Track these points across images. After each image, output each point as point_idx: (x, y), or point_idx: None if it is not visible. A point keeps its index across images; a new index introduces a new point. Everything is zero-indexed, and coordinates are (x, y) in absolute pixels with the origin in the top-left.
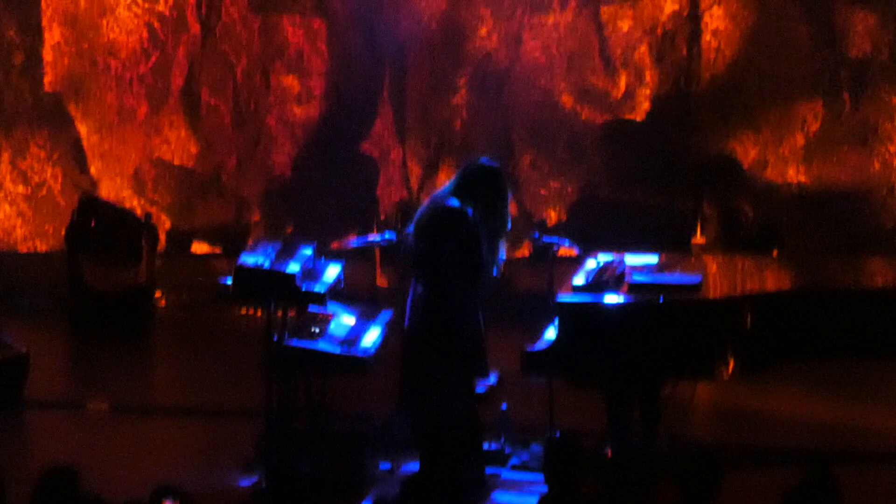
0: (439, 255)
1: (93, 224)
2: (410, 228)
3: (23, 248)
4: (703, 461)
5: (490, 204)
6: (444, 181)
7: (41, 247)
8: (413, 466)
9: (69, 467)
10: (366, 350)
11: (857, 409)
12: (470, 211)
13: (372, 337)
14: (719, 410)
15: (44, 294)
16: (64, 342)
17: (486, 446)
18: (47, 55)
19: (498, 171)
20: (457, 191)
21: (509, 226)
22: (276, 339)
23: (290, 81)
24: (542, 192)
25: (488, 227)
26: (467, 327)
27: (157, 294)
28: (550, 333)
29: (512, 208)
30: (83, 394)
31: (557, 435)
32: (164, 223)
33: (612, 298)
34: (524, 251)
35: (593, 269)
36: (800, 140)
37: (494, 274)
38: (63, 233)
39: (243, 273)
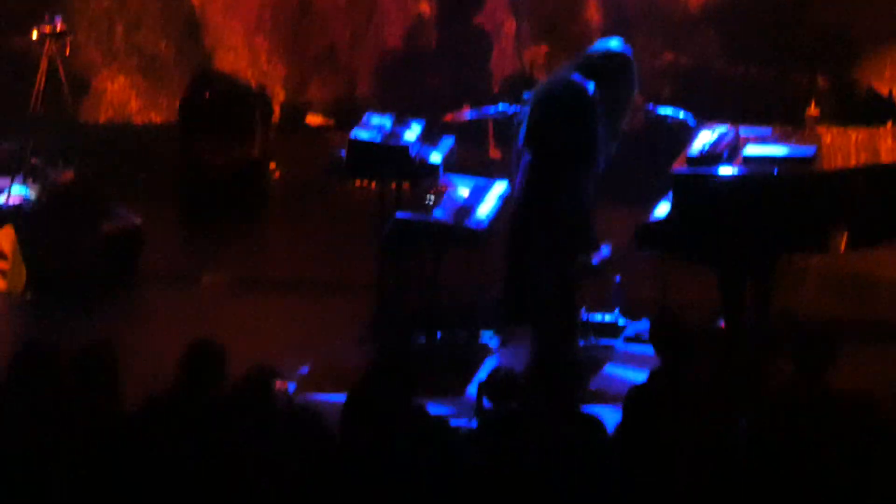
0: (554, 127)
1: (207, 97)
2: (528, 95)
3: (137, 121)
4: (818, 336)
5: (615, 88)
6: (559, 56)
7: (156, 119)
8: (523, 339)
9: (214, 342)
10: (480, 222)
11: None
12: (591, 90)
13: (486, 208)
14: (835, 282)
15: (158, 167)
16: (178, 216)
17: (600, 318)
18: None
19: (627, 58)
20: (582, 69)
21: (631, 110)
22: (390, 212)
23: None
24: (656, 64)
25: (608, 111)
26: (574, 202)
27: (272, 166)
28: (664, 207)
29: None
30: (199, 269)
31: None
32: (279, 95)
33: (726, 170)
34: (639, 123)
35: (708, 141)
36: None
37: (609, 155)
38: (177, 105)
39: (357, 147)
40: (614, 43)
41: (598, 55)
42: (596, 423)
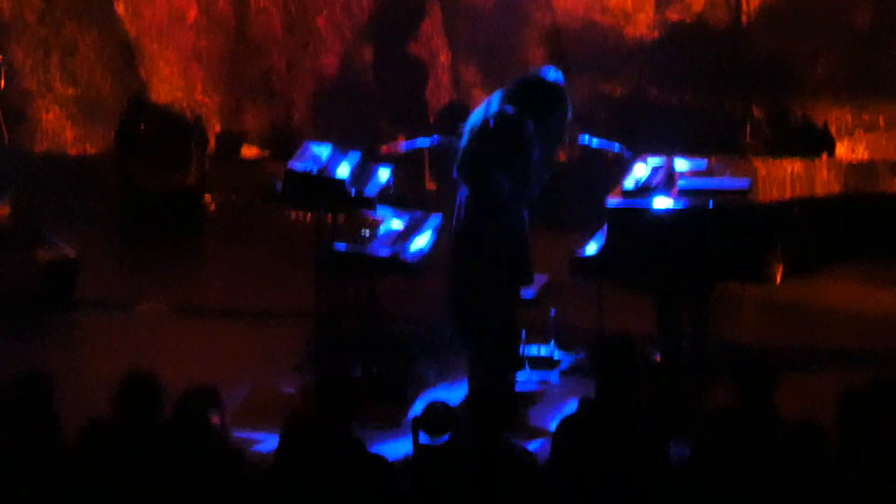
0: (487, 158)
1: (142, 127)
2: (464, 128)
3: (73, 151)
4: (754, 364)
5: (547, 117)
6: (494, 85)
7: (91, 149)
8: (459, 370)
9: (149, 372)
10: (415, 254)
11: None
12: (523, 120)
13: (421, 241)
14: (770, 310)
15: (94, 197)
16: (114, 245)
17: (536, 351)
18: None
19: (560, 88)
20: (514, 98)
21: (566, 139)
22: (325, 243)
23: None
24: (591, 94)
25: (542, 140)
26: (509, 233)
27: (207, 197)
28: (599, 238)
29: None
30: (134, 296)
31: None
32: (214, 126)
33: (661, 203)
34: (573, 153)
35: (643, 174)
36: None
37: (542, 183)
38: (112, 136)
39: (293, 178)
40: (548, 72)
41: (531, 84)
42: (529, 457)
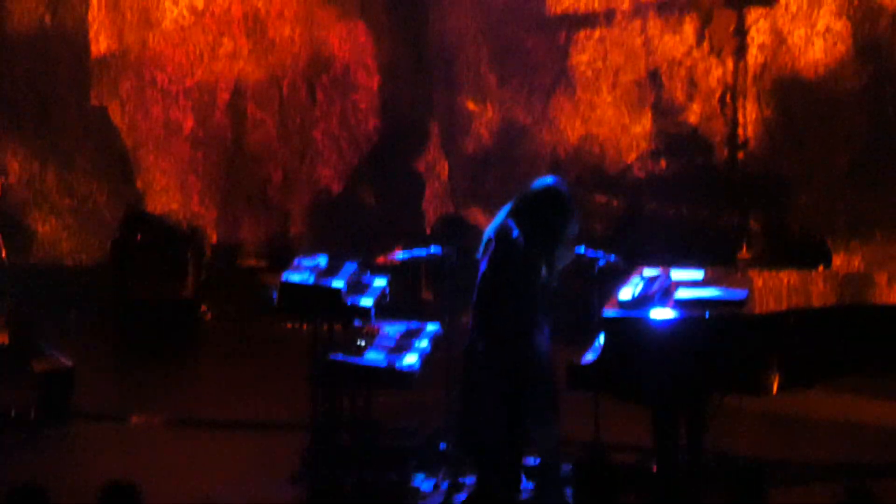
0: (496, 287)
1: (139, 238)
2: (479, 255)
3: (69, 262)
4: (749, 476)
5: (552, 228)
6: (490, 195)
7: (87, 260)
8: (461, 483)
9: (130, 482)
10: (411, 365)
11: None
12: (516, 233)
13: (417, 352)
14: (766, 422)
15: (90, 307)
16: (110, 355)
17: (530, 461)
18: (94, 67)
19: (564, 195)
20: (518, 213)
21: (574, 250)
22: (321, 353)
23: (336, 95)
24: (587, 206)
25: (548, 251)
26: (522, 349)
27: (203, 308)
28: (596, 348)
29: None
30: (129, 407)
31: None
32: (210, 237)
33: (657, 314)
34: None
35: (639, 285)
36: (845, 158)
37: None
38: (109, 246)
39: (289, 289)
40: (548, 180)
41: (532, 193)
42: None
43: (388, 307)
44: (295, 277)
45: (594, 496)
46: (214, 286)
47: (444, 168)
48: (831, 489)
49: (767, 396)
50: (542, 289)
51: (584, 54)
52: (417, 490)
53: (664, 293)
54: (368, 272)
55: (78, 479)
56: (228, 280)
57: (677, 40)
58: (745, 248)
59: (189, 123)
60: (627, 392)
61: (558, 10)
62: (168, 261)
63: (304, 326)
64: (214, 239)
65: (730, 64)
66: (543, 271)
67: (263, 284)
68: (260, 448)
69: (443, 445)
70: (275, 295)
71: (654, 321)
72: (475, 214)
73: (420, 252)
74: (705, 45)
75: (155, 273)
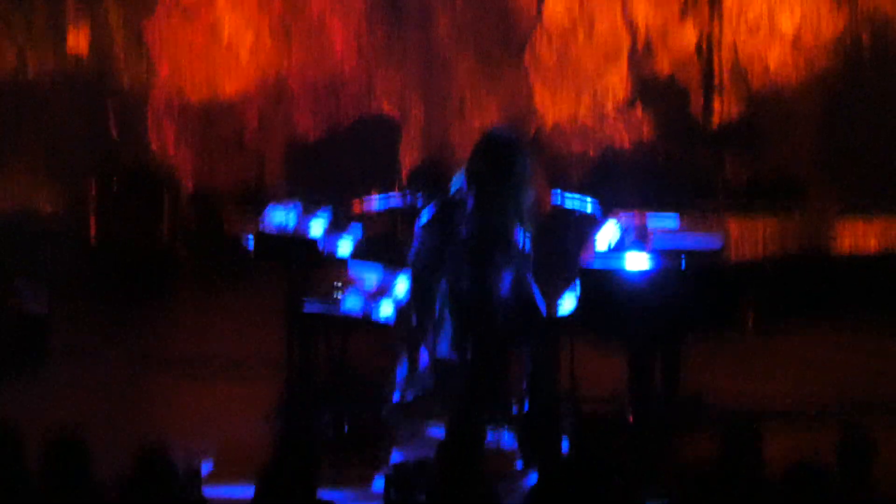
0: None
1: (115, 182)
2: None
3: (45, 207)
4: (729, 423)
5: (508, 176)
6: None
7: (63, 203)
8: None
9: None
10: (387, 317)
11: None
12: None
13: (392, 298)
14: (748, 366)
15: (66, 250)
16: (84, 298)
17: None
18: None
19: (513, 144)
20: (471, 162)
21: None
22: (297, 301)
23: (312, 40)
24: (564, 153)
25: (511, 197)
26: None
27: (179, 251)
28: (571, 297)
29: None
30: (105, 348)
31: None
32: (186, 182)
33: (633, 262)
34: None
35: (615, 232)
36: (821, 103)
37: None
38: (85, 191)
39: (264, 238)
40: (500, 131)
41: (483, 146)
42: None
43: (362, 255)
44: (270, 225)
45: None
46: (189, 230)
47: (420, 113)
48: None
49: (745, 340)
50: (513, 236)
51: (560, 2)
52: (392, 434)
53: (640, 241)
54: (344, 220)
55: (53, 418)
56: (203, 225)
57: None
58: (720, 194)
59: (164, 71)
60: (603, 340)
61: None
62: (144, 206)
63: None
64: (190, 184)
65: (705, 11)
66: (512, 217)
67: (238, 230)
68: (235, 387)
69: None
70: (250, 243)
71: (631, 271)
72: (450, 162)
73: (396, 200)
74: None
75: (131, 217)
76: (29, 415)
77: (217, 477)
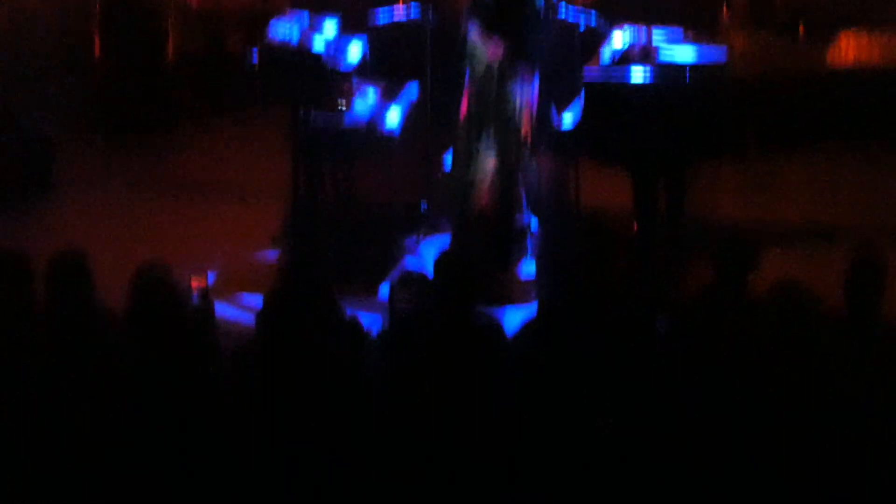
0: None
1: (120, 6)
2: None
3: (46, 34)
4: (731, 240)
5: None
6: None
7: (67, 32)
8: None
9: (78, 252)
10: (391, 128)
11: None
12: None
13: (396, 114)
14: (750, 188)
15: (69, 74)
16: (92, 122)
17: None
18: None
19: None
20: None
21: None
22: (303, 118)
23: None
24: None
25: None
26: None
27: (186, 75)
28: (575, 108)
29: None
30: (110, 175)
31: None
32: (190, 3)
33: (638, 75)
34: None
35: (620, 45)
36: None
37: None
38: (88, 16)
39: (269, 53)
40: None
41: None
42: (495, 326)
43: (367, 69)
44: (274, 41)
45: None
46: (195, 54)
47: None
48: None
49: (747, 160)
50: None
51: None
52: (399, 247)
53: (645, 54)
54: (348, 33)
55: (59, 245)
56: (209, 46)
57: None
58: (725, 9)
59: None
60: (608, 155)
61: None
62: (149, 29)
63: None
64: (195, 4)
65: None
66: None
67: (243, 48)
68: (240, 214)
69: (423, 206)
70: (255, 57)
71: (635, 85)
72: None
73: (400, 15)
74: None
75: (136, 41)
76: (34, 242)
77: (224, 293)
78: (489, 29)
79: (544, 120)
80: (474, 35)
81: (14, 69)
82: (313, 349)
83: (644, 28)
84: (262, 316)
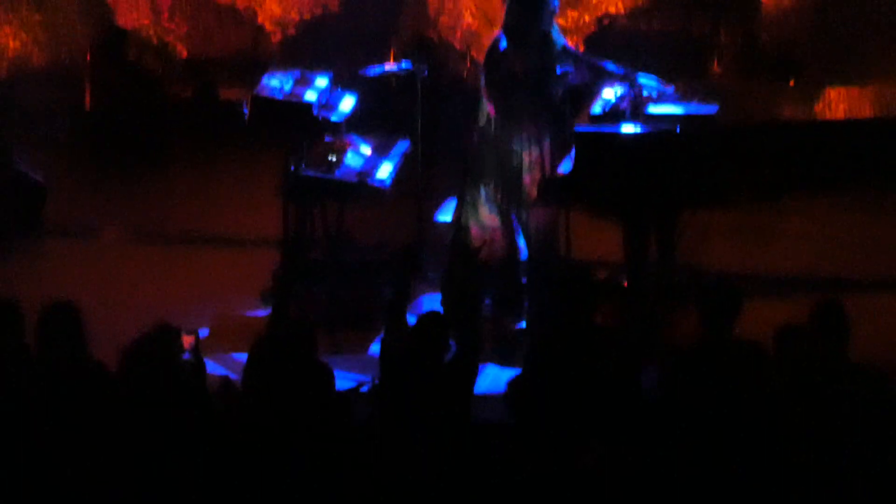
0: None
1: (111, 52)
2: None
3: (40, 78)
4: (721, 290)
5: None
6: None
7: (58, 77)
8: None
9: (71, 303)
10: (382, 180)
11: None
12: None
13: (388, 167)
14: (738, 237)
15: (61, 121)
16: (82, 171)
17: None
18: None
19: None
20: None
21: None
22: (293, 169)
23: None
24: (560, 21)
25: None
26: None
27: (175, 124)
28: (567, 163)
29: None
30: (101, 221)
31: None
32: (181, 52)
33: (628, 128)
34: None
35: (610, 99)
36: None
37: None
38: (80, 62)
39: (259, 103)
40: None
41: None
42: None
43: (358, 122)
44: (266, 91)
45: (572, 309)
46: (185, 102)
47: None
48: (803, 303)
49: (737, 209)
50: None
51: None
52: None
53: (636, 108)
54: (339, 87)
55: (48, 292)
56: (199, 96)
57: None
58: (715, 63)
59: None
60: (599, 206)
61: None
62: (139, 76)
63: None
64: (185, 54)
65: None
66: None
67: (235, 101)
68: (232, 263)
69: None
70: (245, 110)
71: (625, 136)
72: (446, 33)
73: (392, 67)
74: None
75: (126, 88)
76: (25, 287)
77: (213, 348)
78: (503, 82)
79: (544, 170)
80: (484, 87)
81: (6, 116)
82: (298, 411)
83: (634, 83)
84: (247, 374)
